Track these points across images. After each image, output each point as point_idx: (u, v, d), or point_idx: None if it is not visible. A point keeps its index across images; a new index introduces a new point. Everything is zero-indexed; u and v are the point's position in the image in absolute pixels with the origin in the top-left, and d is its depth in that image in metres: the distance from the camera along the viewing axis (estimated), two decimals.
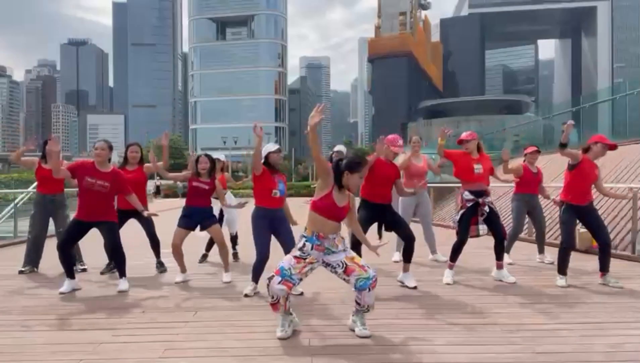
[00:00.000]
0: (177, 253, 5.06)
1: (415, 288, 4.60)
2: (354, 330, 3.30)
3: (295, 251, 3.25)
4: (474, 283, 4.93)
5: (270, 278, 3.13)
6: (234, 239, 6.54)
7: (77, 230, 4.67)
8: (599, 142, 4.72)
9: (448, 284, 4.84)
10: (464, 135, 5.11)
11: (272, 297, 3.16)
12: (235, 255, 6.45)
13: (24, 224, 9.86)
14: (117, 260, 4.81)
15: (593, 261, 4.95)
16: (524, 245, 6.27)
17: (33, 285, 5.08)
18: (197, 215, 5.01)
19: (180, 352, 3.02)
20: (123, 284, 4.69)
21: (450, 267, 4.99)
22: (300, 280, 3.21)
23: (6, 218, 10.34)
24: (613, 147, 4.75)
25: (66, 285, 4.63)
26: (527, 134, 23.92)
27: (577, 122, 19.29)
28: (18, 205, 9.55)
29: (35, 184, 7.09)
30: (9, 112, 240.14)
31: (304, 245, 3.23)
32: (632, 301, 4.16)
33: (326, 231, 3.22)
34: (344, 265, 3.20)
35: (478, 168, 4.92)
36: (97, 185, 4.56)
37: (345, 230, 5.77)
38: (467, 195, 4.92)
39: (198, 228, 5.10)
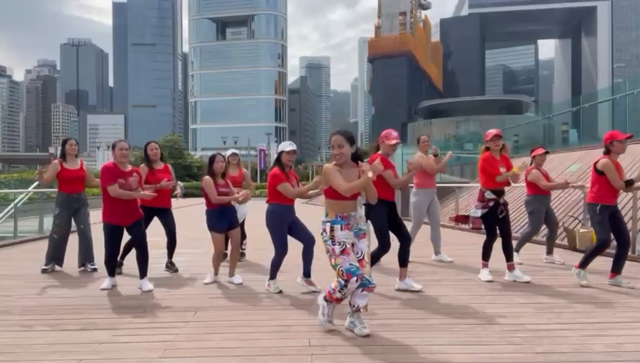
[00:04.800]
0: (219, 258, 5.09)
1: (419, 291, 4.49)
2: (352, 331, 3.30)
3: (335, 247, 3.20)
4: (474, 283, 4.93)
5: (347, 282, 3.11)
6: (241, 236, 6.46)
7: (116, 234, 4.73)
8: (613, 140, 4.66)
9: (489, 281, 4.87)
10: (495, 131, 5.00)
11: (344, 295, 3.20)
12: (242, 254, 6.38)
13: (24, 225, 9.89)
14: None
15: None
16: (528, 245, 6.26)
17: (33, 285, 5.08)
18: (227, 215, 5.00)
19: (180, 352, 3.02)
20: (107, 282, 4.76)
21: (484, 266, 5.03)
22: None
23: (6, 218, 10.34)
24: (628, 137, 4.69)
25: (107, 282, 4.76)
26: (527, 134, 23.88)
27: (577, 122, 19.29)
28: (18, 205, 9.55)
29: (35, 184, 7.11)
30: (9, 112, 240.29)
31: (332, 228, 3.23)
32: (632, 301, 4.16)
33: (347, 210, 3.28)
34: (362, 256, 3.29)
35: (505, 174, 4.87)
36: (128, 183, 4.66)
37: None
38: (490, 194, 4.91)
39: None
